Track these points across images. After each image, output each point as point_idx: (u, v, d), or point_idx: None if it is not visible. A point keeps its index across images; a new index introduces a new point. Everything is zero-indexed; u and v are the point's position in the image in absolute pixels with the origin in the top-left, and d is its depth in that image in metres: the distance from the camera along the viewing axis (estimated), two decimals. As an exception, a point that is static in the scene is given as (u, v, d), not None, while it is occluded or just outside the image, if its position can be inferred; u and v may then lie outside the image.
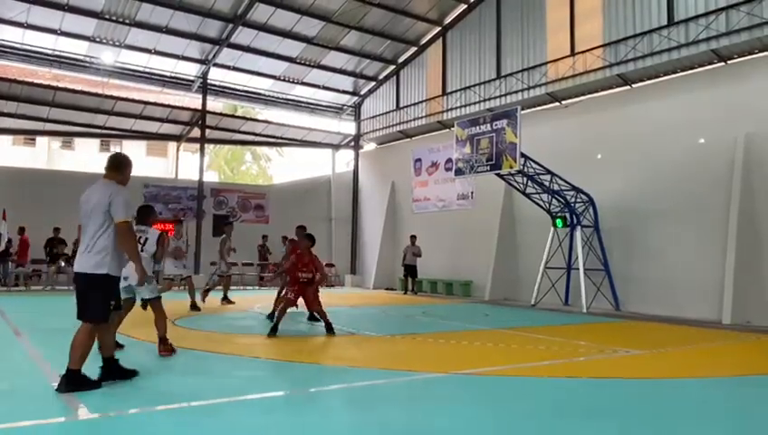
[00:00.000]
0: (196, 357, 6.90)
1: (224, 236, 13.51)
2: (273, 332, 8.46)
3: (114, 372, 5.27)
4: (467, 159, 14.47)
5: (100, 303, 4.98)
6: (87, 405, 4.48)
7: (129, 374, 5.38)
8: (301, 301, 9.04)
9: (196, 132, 21.05)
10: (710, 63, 13.22)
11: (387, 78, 21.88)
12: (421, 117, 20.27)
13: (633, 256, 13.98)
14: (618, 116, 14.67)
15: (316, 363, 6.69)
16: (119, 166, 5.27)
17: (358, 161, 23.92)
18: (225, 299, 13.54)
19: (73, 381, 4.86)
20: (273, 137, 23.54)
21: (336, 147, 24.49)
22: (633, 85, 14.65)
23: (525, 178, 14.18)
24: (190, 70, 19.98)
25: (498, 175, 14.35)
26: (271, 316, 10.06)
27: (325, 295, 15.52)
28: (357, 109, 23.47)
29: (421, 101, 20.35)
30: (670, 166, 13.38)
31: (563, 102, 16.10)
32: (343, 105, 23.38)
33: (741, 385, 6.21)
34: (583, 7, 15.32)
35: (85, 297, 4.98)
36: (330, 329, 8.89)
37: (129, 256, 5.17)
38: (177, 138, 22.68)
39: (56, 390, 4.83)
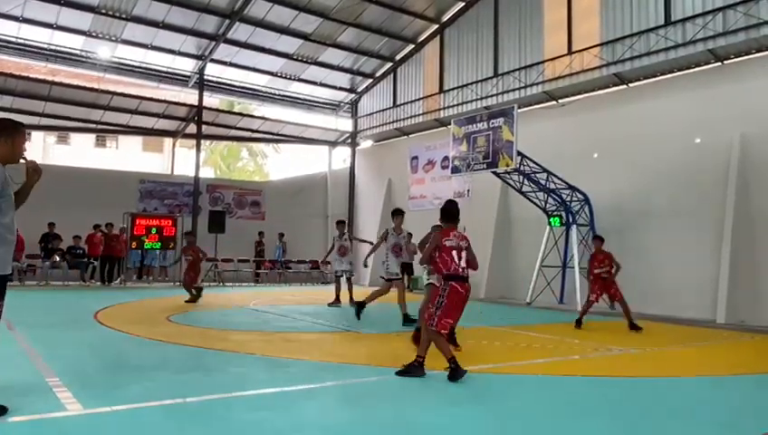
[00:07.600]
0: (191, 353, 6.89)
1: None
2: None
3: None
4: (464, 156, 14.48)
5: None
6: (80, 401, 4.48)
7: None
8: None
9: (192, 128, 20.98)
10: (707, 63, 13.24)
11: (384, 75, 21.85)
12: (418, 114, 20.25)
13: (628, 255, 13.92)
14: (614, 115, 14.68)
15: (311, 360, 6.68)
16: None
17: (354, 158, 23.90)
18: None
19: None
20: (270, 133, 23.48)
21: (333, 144, 24.46)
22: (630, 85, 14.66)
23: (521, 177, 14.20)
24: (187, 65, 19.91)
25: (494, 173, 14.36)
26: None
27: (322, 293, 15.52)
28: (354, 106, 23.44)
29: (418, 99, 20.32)
30: (666, 165, 13.40)
31: (560, 101, 16.11)
32: (340, 102, 23.34)
33: (735, 384, 6.23)
34: (581, 6, 15.32)
35: None
36: None
37: None
38: (173, 133, 22.60)
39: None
